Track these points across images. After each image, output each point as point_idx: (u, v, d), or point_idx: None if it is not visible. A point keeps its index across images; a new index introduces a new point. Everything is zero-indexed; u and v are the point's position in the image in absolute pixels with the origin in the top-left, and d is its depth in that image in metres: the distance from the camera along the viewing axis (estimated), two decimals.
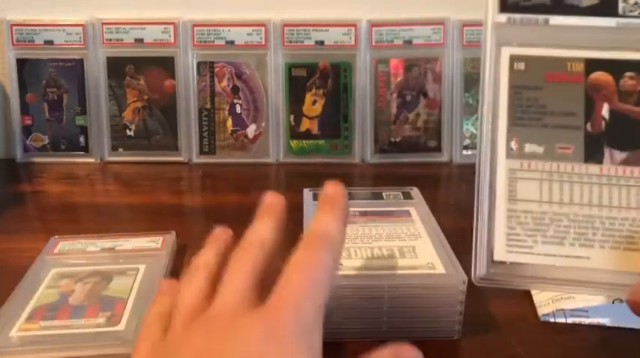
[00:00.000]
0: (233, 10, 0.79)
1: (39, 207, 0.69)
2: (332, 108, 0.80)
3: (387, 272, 0.43)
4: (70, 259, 0.51)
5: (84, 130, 0.80)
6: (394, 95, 0.79)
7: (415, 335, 0.43)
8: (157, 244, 0.54)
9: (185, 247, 0.56)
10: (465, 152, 0.79)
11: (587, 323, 0.44)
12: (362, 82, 0.79)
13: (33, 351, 0.40)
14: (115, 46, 0.79)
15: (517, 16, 0.37)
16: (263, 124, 0.80)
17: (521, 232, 0.35)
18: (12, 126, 0.80)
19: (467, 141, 0.79)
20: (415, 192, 0.57)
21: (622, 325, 0.44)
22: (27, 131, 0.80)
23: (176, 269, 0.52)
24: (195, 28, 0.78)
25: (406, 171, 0.78)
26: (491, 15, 0.37)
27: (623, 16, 0.36)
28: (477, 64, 0.78)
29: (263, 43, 0.78)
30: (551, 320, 0.45)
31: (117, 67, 0.79)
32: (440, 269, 0.43)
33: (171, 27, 0.78)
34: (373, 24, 0.78)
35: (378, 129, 0.80)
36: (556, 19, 0.37)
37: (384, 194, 0.56)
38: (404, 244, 0.46)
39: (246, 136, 0.80)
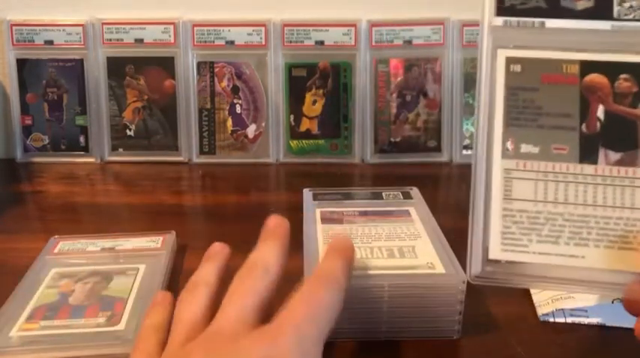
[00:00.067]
0: (233, 10, 0.79)
1: (39, 207, 0.69)
2: (332, 108, 0.80)
3: (386, 272, 0.43)
4: (70, 259, 0.51)
5: (84, 130, 0.80)
6: (394, 95, 0.79)
7: (415, 335, 0.43)
8: (156, 244, 0.54)
9: (185, 247, 0.56)
10: (464, 152, 0.79)
11: (586, 323, 0.44)
12: (362, 82, 0.79)
13: (33, 351, 0.40)
14: (115, 46, 0.79)
15: (513, 19, 0.37)
16: (263, 124, 0.80)
17: (517, 231, 0.36)
18: (12, 126, 0.80)
19: (467, 141, 0.79)
20: (415, 192, 0.57)
21: (622, 325, 0.44)
22: (27, 131, 0.80)
23: (176, 269, 0.52)
24: (195, 28, 0.78)
25: (406, 171, 0.78)
26: (488, 18, 0.37)
27: (618, 19, 0.36)
28: (476, 64, 0.78)
29: (263, 43, 0.79)
30: (551, 320, 0.45)
31: (117, 67, 0.79)
32: (440, 269, 0.43)
33: (171, 27, 0.78)
34: (373, 24, 0.78)
35: (378, 129, 0.80)
36: (552, 22, 0.37)
37: (383, 194, 0.56)
38: (404, 244, 0.46)
39: (246, 136, 0.80)
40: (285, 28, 0.78)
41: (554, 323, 0.45)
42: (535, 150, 0.37)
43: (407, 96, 0.79)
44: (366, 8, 0.78)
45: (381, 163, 0.80)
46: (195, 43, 0.79)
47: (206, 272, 0.38)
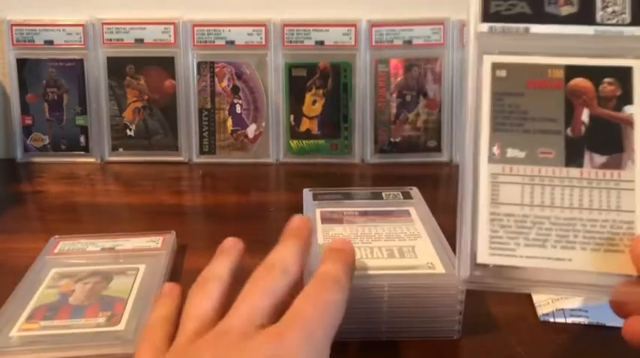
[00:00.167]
0: (233, 10, 0.79)
1: (39, 207, 0.69)
2: (332, 108, 0.80)
3: (386, 273, 0.43)
4: (70, 259, 0.51)
5: (84, 130, 0.80)
6: (394, 95, 0.79)
7: (415, 335, 0.43)
8: (157, 244, 0.54)
9: (185, 247, 0.56)
10: None
11: (587, 323, 0.44)
12: (362, 82, 0.79)
13: (33, 351, 0.40)
14: (115, 46, 0.79)
15: (498, 25, 0.38)
16: (263, 124, 0.80)
17: (504, 235, 0.36)
18: (12, 126, 0.81)
19: None
20: (415, 192, 0.57)
21: (622, 325, 0.43)
22: (27, 131, 0.80)
23: (176, 269, 0.52)
24: (195, 28, 0.78)
25: (406, 171, 0.78)
26: (473, 24, 0.38)
27: (601, 24, 0.37)
28: None
29: (263, 43, 0.79)
30: (551, 320, 0.45)
31: (117, 67, 0.79)
32: (440, 269, 0.43)
33: (172, 27, 0.78)
34: (373, 24, 0.78)
35: (377, 129, 0.80)
36: (536, 28, 0.37)
37: (383, 194, 0.56)
38: (403, 244, 0.46)
39: (246, 136, 0.80)
40: (285, 28, 0.78)
41: (555, 323, 0.45)
42: (521, 154, 0.37)
43: (407, 96, 0.79)
44: (366, 8, 0.78)
45: (381, 163, 0.80)
46: (196, 43, 0.79)
47: (218, 267, 0.37)
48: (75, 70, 0.79)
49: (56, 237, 0.55)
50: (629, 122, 0.36)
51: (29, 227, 0.63)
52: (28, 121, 0.80)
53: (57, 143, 0.81)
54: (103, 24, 0.79)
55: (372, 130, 0.80)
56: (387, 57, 0.79)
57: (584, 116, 0.37)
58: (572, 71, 0.37)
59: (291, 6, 0.79)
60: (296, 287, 0.35)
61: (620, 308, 0.35)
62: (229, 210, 0.67)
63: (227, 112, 0.80)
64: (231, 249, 0.39)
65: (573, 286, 0.36)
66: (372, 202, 0.55)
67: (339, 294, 0.34)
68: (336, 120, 0.80)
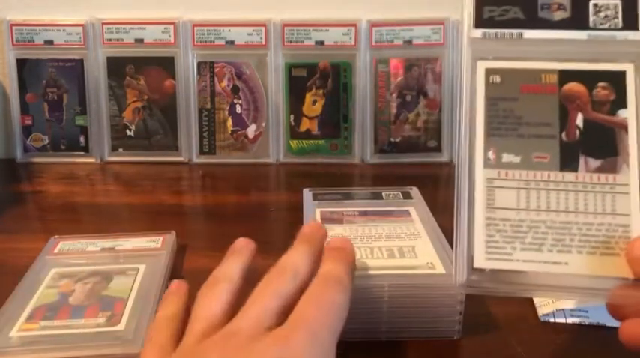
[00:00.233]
0: (233, 10, 0.79)
1: (39, 207, 0.69)
2: (332, 108, 0.80)
3: (386, 273, 0.43)
4: (70, 259, 0.51)
5: (84, 130, 0.80)
6: (394, 95, 0.79)
7: (415, 335, 0.43)
8: (156, 244, 0.54)
9: (185, 247, 0.56)
10: None
11: (587, 323, 0.44)
12: (362, 82, 0.79)
13: (33, 351, 0.40)
14: (115, 46, 0.79)
15: (492, 31, 0.38)
16: (263, 124, 0.80)
17: (500, 239, 0.36)
18: (12, 126, 0.81)
19: None
20: (415, 192, 0.57)
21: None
22: (27, 131, 0.80)
23: (176, 269, 0.52)
24: (195, 28, 0.78)
25: (406, 171, 0.78)
26: (467, 30, 0.38)
27: (594, 28, 0.37)
28: None
29: (263, 43, 0.79)
30: (551, 320, 0.45)
31: (117, 67, 0.79)
32: (440, 269, 0.43)
33: (171, 27, 0.78)
34: (373, 24, 0.78)
35: (377, 129, 0.80)
36: (530, 34, 0.38)
37: (383, 194, 0.56)
38: (403, 244, 0.46)
39: (246, 136, 0.80)
40: (285, 28, 0.78)
41: (555, 323, 0.45)
42: (516, 159, 0.37)
43: (407, 96, 0.79)
44: (366, 8, 0.78)
45: (381, 163, 0.80)
46: (195, 43, 0.79)
47: (228, 268, 0.37)
48: (75, 70, 0.79)
49: (56, 237, 0.55)
50: (623, 126, 0.37)
51: (29, 227, 0.63)
52: (28, 121, 0.80)
53: (57, 143, 0.81)
54: (103, 24, 0.79)
55: (372, 130, 0.80)
56: (387, 57, 0.79)
57: (579, 120, 0.37)
58: (565, 76, 0.37)
59: (291, 6, 0.79)
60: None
61: (616, 311, 0.35)
62: (229, 210, 0.67)
63: (227, 112, 0.80)
64: (242, 249, 0.39)
65: (570, 289, 0.36)
66: (372, 202, 0.55)
67: (342, 295, 0.34)
68: (336, 120, 0.80)
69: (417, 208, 0.53)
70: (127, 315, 0.43)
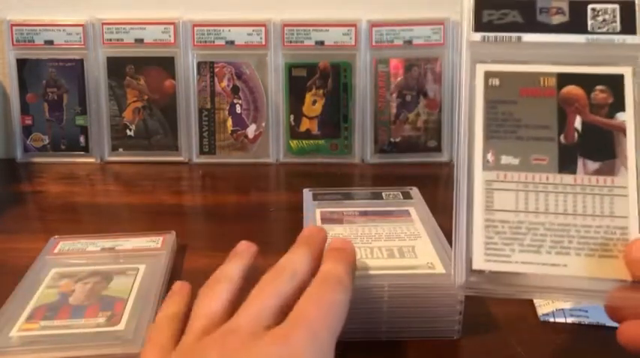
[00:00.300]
0: (233, 10, 0.79)
1: (39, 207, 0.69)
2: (332, 108, 0.80)
3: (386, 273, 0.43)
4: (70, 259, 0.51)
5: (84, 130, 0.80)
6: (394, 95, 0.79)
7: (415, 335, 0.43)
8: (156, 244, 0.54)
9: (185, 247, 0.56)
10: None
11: (586, 323, 0.44)
12: (362, 82, 0.79)
13: (33, 351, 0.40)
14: (115, 46, 0.79)
15: (491, 35, 0.38)
16: (263, 124, 0.80)
17: (499, 241, 0.36)
18: (12, 126, 0.81)
19: None
20: (415, 192, 0.57)
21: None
22: (27, 131, 0.80)
23: (176, 269, 0.52)
24: (195, 28, 0.78)
25: (406, 171, 0.78)
26: (466, 34, 0.38)
27: (593, 32, 0.38)
28: None
29: (263, 43, 0.79)
30: (551, 320, 0.45)
31: (117, 67, 0.79)
32: (440, 269, 0.43)
33: (171, 27, 0.79)
34: (373, 24, 0.78)
35: (377, 129, 0.80)
36: (528, 37, 0.38)
37: (383, 194, 0.56)
38: (403, 244, 0.46)
39: (246, 136, 0.80)
40: (285, 28, 0.78)
41: (555, 323, 0.45)
42: (515, 161, 0.37)
43: (407, 96, 0.79)
44: (366, 8, 0.78)
45: (381, 163, 0.80)
46: (195, 43, 0.79)
47: (229, 269, 0.38)
48: (75, 70, 0.79)
49: (56, 237, 0.55)
50: (622, 129, 0.37)
51: (29, 227, 0.63)
52: (28, 121, 0.80)
53: (57, 143, 0.81)
54: (103, 24, 0.79)
55: (372, 130, 0.80)
56: (387, 57, 0.79)
57: (577, 123, 0.37)
58: (564, 79, 0.38)
59: (291, 6, 0.79)
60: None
61: (614, 312, 0.35)
62: (229, 210, 0.67)
63: (227, 112, 0.80)
64: (244, 252, 0.40)
65: (568, 291, 0.36)
66: (372, 202, 0.55)
67: (342, 294, 0.34)
68: (336, 120, 0.80)
69: (416, 208, 0.53)
70: (127, 315, 0.43)
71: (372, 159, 0.80)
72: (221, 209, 0.68)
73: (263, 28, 0.78)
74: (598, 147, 0.37)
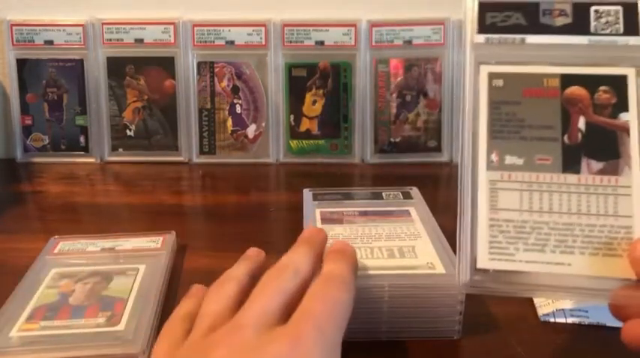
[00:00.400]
0: (233, 10, 0.79)
1: (39, 207, 0.69)
2: (332, 108, 0.80)
3: (386, 273, 0.43)
4: (70, 259, 0.51)
5: (84, 130, 0.80)
6: (394, 95, 0.79)
7: (415, 335, 0.43)
8: (156, 244, 0.54)
9: (185, 247, 0.56)
10: None
11: (587, 323, 0.44)
12: (362, 82, 0.79)
13: (33, 351, 0.40)
14: (115, 46, 0.79)
15: (495, 36, 0.38)
16: (263, 124, 0.80)
17: (503, 240, 0.36)
18: (12, 126, 0.81)
19: None
20: (415, 192, 0.57)
21: (622, 325, 0.43)
22: (27, 131, 0.80)
23: (176, 269, 0.52)
24: (195, 28, 0.78)
25: (406, 171, 0.78)
26: (470, 35, 0.39)
27: (595, 34, 0.38)
28: None
29: (263, 43, 0.79)
30: (551, 320, 0.45)
31: (117, 67, 0.79)
32: (440, 269, 0.43)
33: (172, 27, 0.78)
34: (373, 24, 0.78)
35: (377, 129, 0.80)
36: (532, 38, 0.38)
37: (383, 194, 0.56)
38: (403, 244, 0.46)
39: (246, 136, 0.80)
40: (285, 28, 0.78)
41: (555, 323, 0.45)
42: (519, 161, 0.37)
43: (407, 96, 0.79)
44: (366, 8, 0.78)
45: (381, 163, 0.80)
46: (195, 43, 0.79)
47: (237, 271, 0.38)
48: (75, 70, 0.79)
49: (56, 237, 0.55)
50: (625, 129, 0.37)
51: (29, 227, 0.63)
52: (28, 121, 0.80)
53: (57, 143, 0.81)
54: (103, 24, 0.79)
55: (372, 130, 0.80)
56: (387, 57, 0.79)
57: (581, 123, 0.37)
58: (567, 80, 0.38)
59: (291, 6, 0.79)
60: (307, 289, 0.35)
61: (619, 311, 0.35)
62: (229, 210, 0.67)
63: (227, 112, 0.80)
64: (252, 257, 0.40)
65: (572, 290, 0.36)
66: (372, 202, 0.55)
67: (346, 293, 0.34)
68: (336, 120, 0.80)
69: (417, 208, 0.53)
70: (126, 315, 0.43)
71: (372, 159, 0.80)
72: (221, 209, 0.68)
73: (263, 28, 0.78)
74: (602, 147, 0.37)
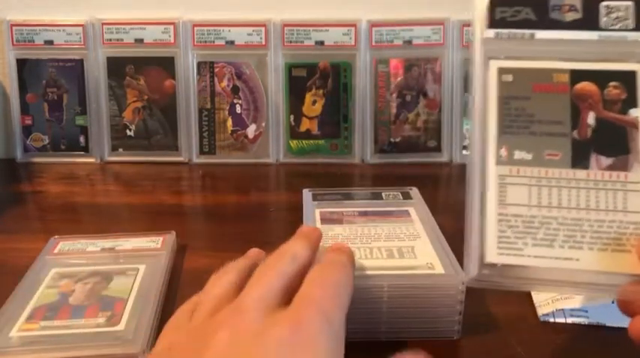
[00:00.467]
0: (233, 10, 0.79)
1: (39, 207, 0.69)
2: (332, 108, 0.80)
3: (386, 273, 0.43)
4: (70, 259, 0.51)
5: (84, 130, 0.80)
6: (394, 95, 0.79)
7: (415, 335, 0.43)
8: (156, 244, 0.54)
9: (185, 247, 0.56)
10: (464, 152, 0.79)
11: (587, 323, 0.44)
12: (362, 82, 0.79)
13: (33, 351, 0.40)
14: (115, 46, 0.79)
15: (504, 31, 0.38)
16: (263, 124, 0.80)
17: (512, 235, 0.37)
18: (12, 126, 0.81)
19: (467, 141, 0.79)
20: (414, 192, 0.57)
21: (622, 325, 0.43)
22: (27, 131, 0.80)
23: (176, 269, 0.52)
24: (195, 28, 0.78)
25: (406, 171, 0.78)
26: (480, 30, 0.39)
27: (605, 29, 0.38)
28: None
29: (263, 43, 0.79)
30: (551, 320, 0.45)
31: (117, 67, 0.79)
32: (439, 269, 0.43)
33: (171, 27, 0.79)
34: (373, 24, 0.78)
35: (377, 129, 0.80)
36: (541, 34, 0.38)
37: (383, 194, 0.56)
38: (403, 244, 0.46)
39: (246, 136, 0.80)
40: (285, 28, 0.78)
41: (555, 323, 0.45)
42: (528, 156, 0.37)
43: (407, 96, 0.79)
44: (366, 8, 0.78)
45: (381, 163, 0.80)
46: (195, 43, 0.79)
47: (239, 262, 0.38)
48: (75, 70, 0.79)
49: (56, 237, 0.55)
50: (635, 125, 0.37)
51: (29, 227, 0.63)
52: (28, 121, 0.80)
53: (57, 143, 0.81)
54: (103, 24, 0.79)
55: (372, 130, 0.80)
56: (387, 57, 0.79)
57: (590, 119, 0.37)
58: (577, 75, 0.38)
59: (291, 6, 0.79)
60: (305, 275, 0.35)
61: (627, 307, 0.35)
62: (229, 210, 0.67)
63: (227, 112, 0.80)
64: (254, 256, 0.40)
65: (580, 285, 0.36)
66: (371, 202, 0.55)
67: (345, 275, 0.35)
68: (336, 120, 0.80)
69: (416, 208, 0.53)
70: (126, 315, 0.43)
71: (372, 159, 0.80)
72: (221, 209, 0.68)
73: (263, 28, 0.78)
74: (611, 142, 0.37)
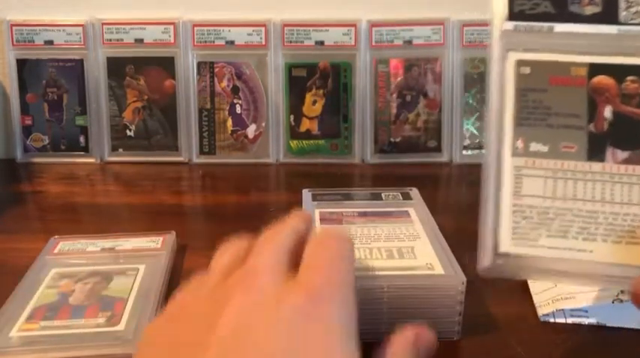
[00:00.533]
0: (233, 10, 0.79)
1: (39, 207, 0.69)
2: (332, 108, 0.80)
3: (386, 273, 0.43)
4: (70, 259, 0.51)
5: (84, 130, 0.80)
6: (394, 95, 0.79)
7: None
8: (156, 244, 0.54)
9: (185, 247, 0.56)
10: (464, 152, 0.79)
11: (587, 323, 0.44)
12: (362, 82, 0.79)
13: (33, 351, 0.40)
14: (115, 46, 0.79)
15: (523, 24, 0.38)
16: (263, 124, 0.80)
17: (526, 226, 0.37)
18: (12, 126, 0.80)
19: (467, 142, 0.79)
20: (414, 192, 0.57)
21: (622, 325, 0.44)
22: (27, 131, 0.80)
23: (176, 269, 0.52)
24: (195, 28, 0.78)
25: (406, 171, 0.78)
26: (499, 22, 0.39)
27: (625, 23, 0.38)
28: (476, 64, 0.78)
29: (263, 43, 0.79)
30: (551, 320, 0.45)
31: (117, 67, 0.79)
32: (439, 269, 0.43)
33: (171, 27, 0.78)
34: (373, 24, 0.78)
35: (378, 129, 0.80)
36: (560, 27, 0.38)
37: (383, 194, 0.56)
38: (403, 245, 0.46)
39: (246, 136, 0.80)
40: (285, 28, 0.78)
41: (555, 323, 0.45)
42: (544, 148, 0.38)
43: (407, 96, 0.79)
44: (366, 8, 0.78)
45: (381, 163, 0.80)
46: (195, 43, 0.79)
47: (240, 239, 0.37)
48: (75, 70, 0.79)
49: (56, 237, 0.55)
50: None
51: (29, 227, 0.63)
52: (28, 121, 0.80)
53: (57, 143, 0.81)
54: (103, 24, 0.79)
55: (372, 130, 0.80)
56: (387, 57, 0.79)
57: (607, 112, 0.37)
58: (595, 69, 0.38)
59: (291, 6, 0.79)
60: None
61: (639, 299, 0.35)
62: (229, 210, 0.67)
63: (227, 112, 0.80)
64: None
65: (594, 277, 0.37)
66: (371, 203, 0.55)
67: (343, 243, 0.34)
68: (336, 121, 0.80)
69: (416, 209, 0.53)
70: (126, 315, 0.43)
71: (372, 159, 0.80)
72: (221, 209, 0.68)
73: (263, 28, 0.78)
74: (628, 136, 0.37)
